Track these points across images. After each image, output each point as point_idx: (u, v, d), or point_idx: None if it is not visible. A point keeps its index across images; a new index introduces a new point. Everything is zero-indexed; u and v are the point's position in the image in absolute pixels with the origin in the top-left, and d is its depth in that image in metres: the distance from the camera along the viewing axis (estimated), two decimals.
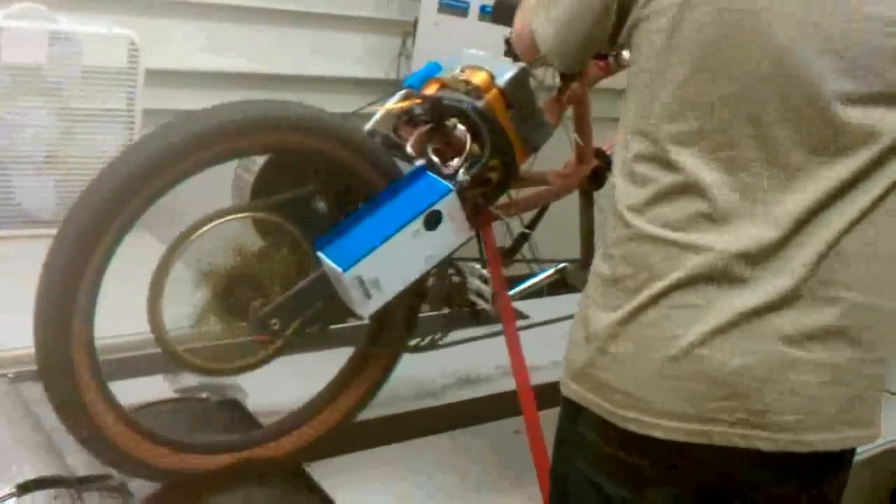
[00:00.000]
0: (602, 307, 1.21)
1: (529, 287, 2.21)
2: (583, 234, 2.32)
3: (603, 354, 1.20)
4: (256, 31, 2.91)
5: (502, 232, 2.15)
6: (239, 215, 1.74)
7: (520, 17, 1.52)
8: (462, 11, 2.92)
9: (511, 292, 2.13)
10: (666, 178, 1.16)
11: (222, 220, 1.72)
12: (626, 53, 2.03)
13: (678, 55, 1.13)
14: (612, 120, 1.34)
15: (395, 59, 3.16)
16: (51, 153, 2.67)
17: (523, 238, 2.10)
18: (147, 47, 2.68)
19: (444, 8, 2.96)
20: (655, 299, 1.16)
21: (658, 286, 1.15)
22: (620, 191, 1.22)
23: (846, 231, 1.12)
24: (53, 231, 1.60)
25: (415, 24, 3.03)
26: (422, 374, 2.36)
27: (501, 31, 2.46)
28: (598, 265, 1.24)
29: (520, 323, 2.09)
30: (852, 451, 1.26)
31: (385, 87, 1.88)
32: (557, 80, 1.95)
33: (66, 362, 1.62)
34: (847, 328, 1.14)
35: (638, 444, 1.18)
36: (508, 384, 2.26)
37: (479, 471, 2.05)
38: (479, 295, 2.18)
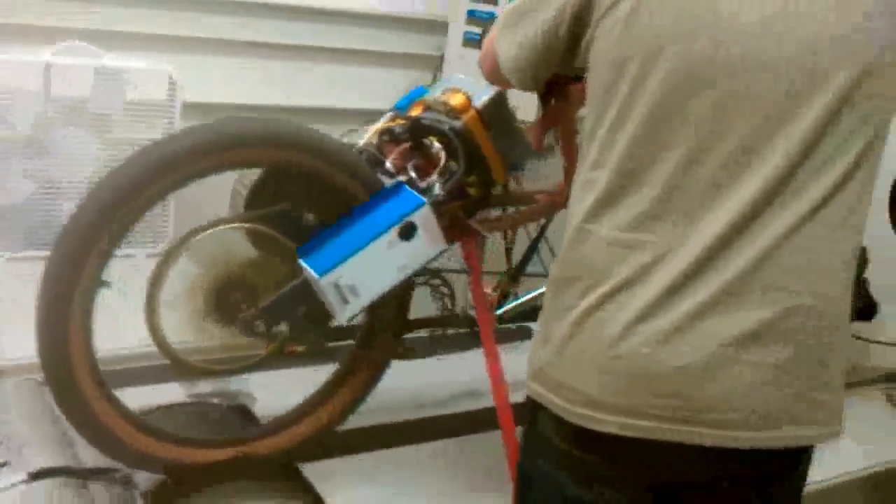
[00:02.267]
0: (557, 308, 1.29)
1: (520, 305, 2.30)
2: None
3: (558, 354, 1.27)
4: (286, 66, 3.07)
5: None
6: (231, 225, 1.88)
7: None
8: None
9: (502, 310, 2.23)
10: (613, 182, 1.23)
11: (216, 228, 1.85)
12: None
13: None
14: None
15: None
16: (94, 180, 2.86)
17: (531, 253, 2.19)
18: (184, 82, 2.86)
19: (469, 42, 3.08)
20: (602, 300, 1.22)
21: (605, 287, 1.22)
22: (574, 198, 1.31)
23: (784, 235, 1.16)
24: None
25: (441, 58, 3.16)
26: (418, 385, 2.45)
27: None
28: (553, 269, 1.33)
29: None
30: (806, 452, 1.30)
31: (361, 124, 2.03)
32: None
33: (65, 363, 1.76)
34: (786, 330, 1.18)
35: (590, 440, 1.24)
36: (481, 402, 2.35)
37: (470, 476, 2.13)
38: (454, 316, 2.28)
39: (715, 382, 1.17)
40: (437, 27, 3.18)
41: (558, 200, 2.23)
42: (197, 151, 1.77)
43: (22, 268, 2.74)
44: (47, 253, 1.75)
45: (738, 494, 1.29)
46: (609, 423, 1.22)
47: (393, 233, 1.79)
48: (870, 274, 2.57)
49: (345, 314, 1.82)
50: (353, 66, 3.18)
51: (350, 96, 3.17)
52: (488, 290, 2.27)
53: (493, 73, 1.51)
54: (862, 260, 2.34)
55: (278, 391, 2.24)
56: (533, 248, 2.30)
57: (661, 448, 1.21)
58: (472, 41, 3.07)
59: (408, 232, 1.81)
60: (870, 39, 1.14)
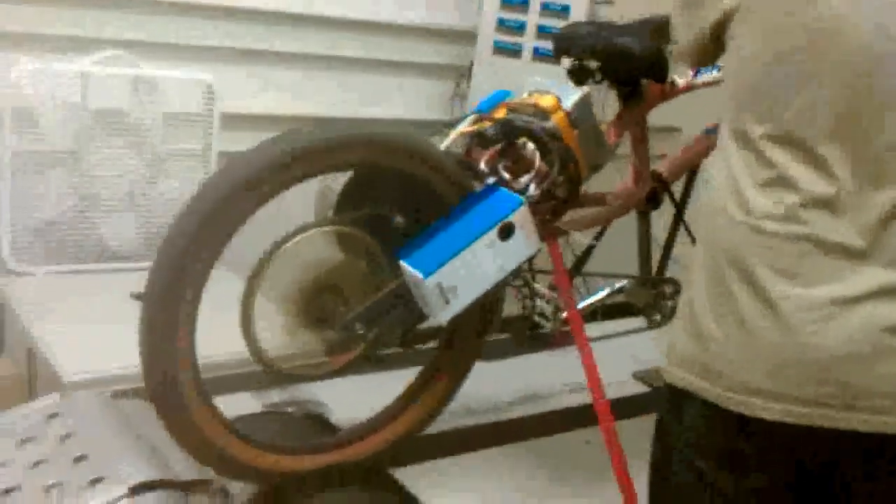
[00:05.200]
0: (707, 294, 1.28)
1: (592, 304, 2.33)
2: (641, 254, 2.43)
3: (709, 340, 1.27)
4: (321, 76, 3.09)
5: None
6: (324, 229, 1.87)
7: None
8: (516, 53, 3.07)
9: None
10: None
11: (310, 232, 1.85)
12: (679, 79, 2.20)
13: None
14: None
15: (450, 100, 3.32)
16: (133, 192, 2.82)
17: (589, 251, 2.22)
18: (222, 92, 2.85)
19: (498, 50, 3.11)
20: (760, 287, 1.22)
21: (762, 275, 1.22)
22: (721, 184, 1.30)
23: None
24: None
25: (470, 67, 3.19)
26: (490, 391, 2.47)
27: (552, 72, 2.62)
28: (702, 256, 1.31)
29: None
30: None
31: (441, 128, 2.04)
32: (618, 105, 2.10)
33: (174, 383, 1.75)
34: None
35: (744, 427, 1.24)
36: (572, 400, 2.39)
37: (555, 477, 2.15)
38: (542, 315, 2.30)
39: (874, 370, 1.19)
40: (466, 37, 3.21)
41: (628, 202, 2.27)
42: (298, 155, 1.76)
43: (61, 282, 2.72)
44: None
45: (884, 478, 1.30)
46: (768, 411, 1.23)
47: (493, 233, 1.81)
48: None
49: (446, 315, 1.83)
50: (384, 76, 3.21)
51: (382, 106, 3.19)
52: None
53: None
54: None
55: (348, 399, 2.24)
56: (591, 249, 2.33)
57: (816, 433, 1.22)
58: (503, 49, 3.10)
59: (507, 232, 1.82)
60: None
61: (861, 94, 1.17)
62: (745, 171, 1.26)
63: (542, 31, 3.00)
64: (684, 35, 1.37)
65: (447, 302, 1.81)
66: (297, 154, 1.77)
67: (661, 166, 2.33)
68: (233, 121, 2.90)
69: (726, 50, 1.28)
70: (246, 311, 1.84)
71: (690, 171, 2.39)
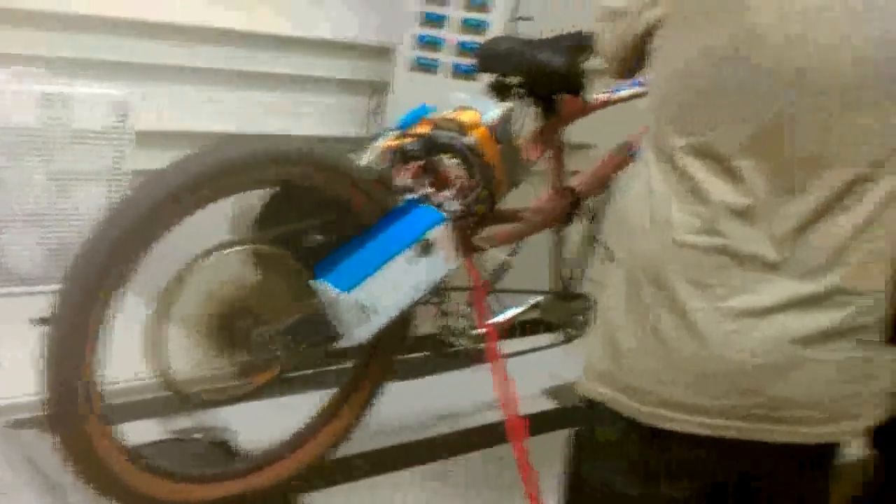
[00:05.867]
0: (624, 310, 1.28)
1: (508, 320, 2.31)
2: (555, 269, 2.43)
3: (626, 354, 1.27)
4: (236, 92, 3.00)
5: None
6: (239, 247, 1.79)
7: None
8: (434, 69, 3.04)
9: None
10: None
11: (226, 251, 1.77)
12: (597, 95, 2.20)
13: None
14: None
15: (368, 116, 3.28)
16: (39, 212, 2.68)
17: (504, 268, 2.20)
18: (135, 109, 2.73)
19: (417, 66, 3.08)
20: (677, 300, 1.22)
21: (679, 288, 1.22)
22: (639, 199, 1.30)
23: (853, 237, 1.18)
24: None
25: (388, 83, 3.15)
26: (402, 410, 2.41)
27: (471, 88, 2.60)
28: (618, 271, 1.31)
29: None
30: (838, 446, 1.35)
31: (360, 143, 2.00)
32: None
33: (75, 411, 1.64)
34: (854, 329, 1.21)
35: (661, 441, 1.25)
36: (487, 418, 2.36)
37: (470, 496, 2.12)
38: (458, 332, 2.27)
39: (787, 380, 1.21)
40: (383, 53, 3.17)
41: (546, 218, 2.26)
42: (214, 173, 1.69)
43: None
44: None
45: (793, 485, 1.34)
46: (687, 423, 1.23)
47: (414, 249, 1.77)
48: None
49: (364, 334, 1.77)
50: (301, 92, 3.15)
51: (299, 122, 3.12)
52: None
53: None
54: None
55: (257, 423, 2.15)
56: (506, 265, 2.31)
57: (731, 444, 1.23)
58: (421, 66, 3.07)
59: (427, 248, 1.78)
60: None
61: (779, 108, 1.17)
62: (663, 184, 1.26)
63: (461, 48, 2.98)
64: (609, 47, 1.36)
65: (365, 320, 1.76)
66: (212, 172, 1.70)
67: (575, 182, 2.33)
68: (146, 138, 2.78)
69: (651, 62, 1.28)
70: (155, 334, 1.75)
71: (604, 187, 2.39)
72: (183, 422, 2.13)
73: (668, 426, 1.24)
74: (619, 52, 1.34)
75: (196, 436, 2.14)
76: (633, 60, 1.34)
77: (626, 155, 2.30)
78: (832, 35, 1.11)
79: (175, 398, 1.83)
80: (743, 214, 1.19)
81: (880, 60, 1.12)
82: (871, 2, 1.12)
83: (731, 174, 1.20)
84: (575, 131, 2.25)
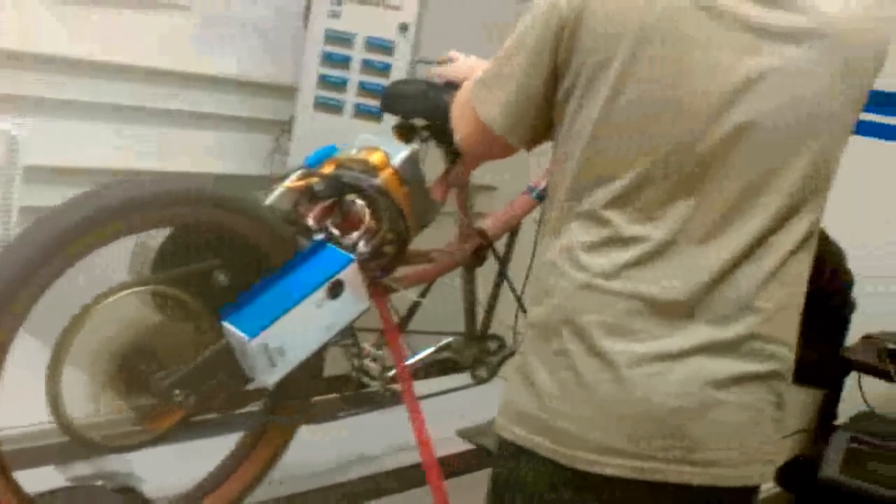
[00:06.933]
0: (543, 352, 1.29)
1: (419, 361, 2.31)
2: (466, 310, 2.44)
3: (545, 396, 1.27)
4: (133, 129, 2.93)
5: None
6: (140, 288, 1.76)
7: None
8: (337, 109, 3.05)
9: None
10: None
11: (124, 293, 1.73)
12: None
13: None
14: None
15: (269, 155, 3.26)
16: None
17: (415, 309, 2.20)
18: (25, 144, 2.66)
19: (319, 105, 3.08)
20: (594, 344, 1.25)
21: (594, 332, 1.25)
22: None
23: (761, 286, 1.23)
24: None
25: (290, 121, 3.14)
26: (315, 454, 2.39)
27: (374, 129, 2.60)
28: (538, 312, 1.32)
29: None
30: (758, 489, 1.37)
31: (263, 183, 1.98)
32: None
33: None
34: (767, 374, 1.26)
35: (581, 483, 1.25)
36: (402, 460, 2.34)
37: None
38: (369, 373, 2.26)
39: (704, 423, 1.23)
40: (285, 91, 3.17)
41: (456, 258, 2.28)
42: (112, 212, 1.66)
43: None
44: None
45: None
46: (607, 465, 1.25)
47: (322, 291, 1.76)
48: None
49: (272, 378, 1.75)
50: (200, 129, 3.11)
51: (198, 160, 3.08)
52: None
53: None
54: None
55: (163, 469, 2.10)
56: (417, 305, 2.32)
57: (649, 487, 1.25)
58: (324, 105, 3.07)
59: (336, 290, 1.78)
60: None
61: (698, 160, 1.21)
62: (579, 230, 1.28)
63: (363, 88, 3.00)
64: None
65: (273, 364, 1.74)
66: (109, 211, 1.68)
67: (484, 224, 2.35)
68: (36, 173, 2.71)
69: (563, 114, 1.29)
70: (52, 378, 1.70)
71: (513, 228, 2.42)
72: (84, 468, 2.08)
73: (588, 468, 1.25)
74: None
75: (99, 483, 2.09)
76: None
77: (532, 198, 2.35)
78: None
79: (75, 443, 1.78)
80: (658, 262, 1.23)
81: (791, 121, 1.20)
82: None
83: (649, 222, 1.23)
84: (477, 173, 2.27)
